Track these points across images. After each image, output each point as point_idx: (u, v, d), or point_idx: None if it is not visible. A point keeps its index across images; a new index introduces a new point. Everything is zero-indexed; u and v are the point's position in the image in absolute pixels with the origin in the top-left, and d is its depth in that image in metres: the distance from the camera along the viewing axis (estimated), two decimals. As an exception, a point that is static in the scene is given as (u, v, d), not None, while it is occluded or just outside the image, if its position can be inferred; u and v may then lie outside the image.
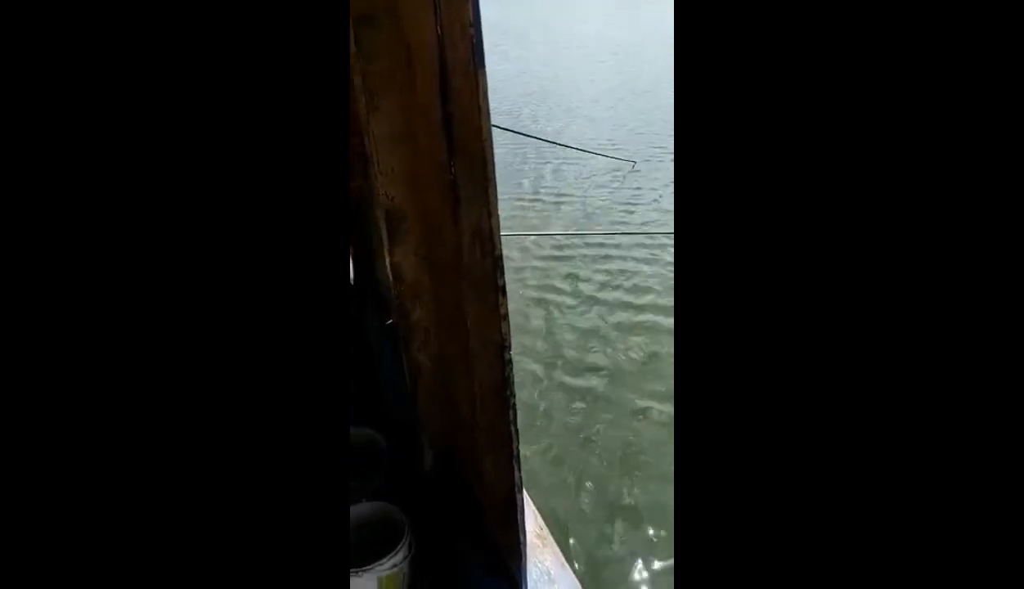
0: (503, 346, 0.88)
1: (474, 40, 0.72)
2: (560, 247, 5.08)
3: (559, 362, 3.56)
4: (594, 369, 3.49)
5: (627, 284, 4.49)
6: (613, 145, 7.45)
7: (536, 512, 1.22)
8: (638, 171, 6.69)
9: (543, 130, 7.98)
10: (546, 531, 1.20)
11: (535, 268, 4.74)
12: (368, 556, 1.22)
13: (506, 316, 0.87)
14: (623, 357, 3.59)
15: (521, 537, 1.00)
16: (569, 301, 4.27)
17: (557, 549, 1.17)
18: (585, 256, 4.94)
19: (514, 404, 0.92)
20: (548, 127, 8.19)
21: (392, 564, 1.17)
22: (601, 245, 5.08)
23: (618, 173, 6.70)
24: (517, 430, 0.93)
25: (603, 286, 4.47)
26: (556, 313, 4.10)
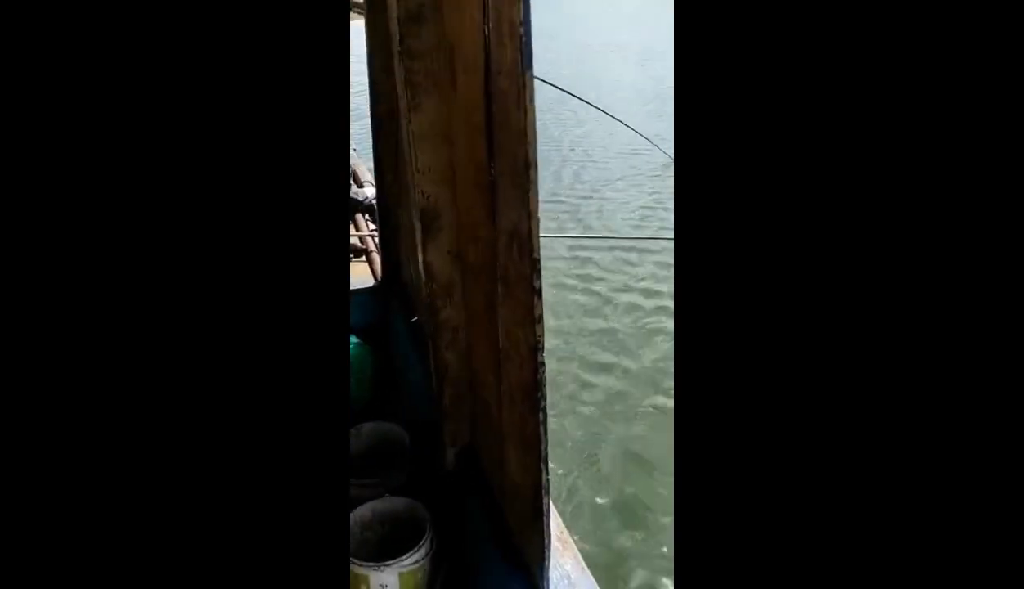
0: (536, 348, 0.88)
1: (523, 40, 0.72)
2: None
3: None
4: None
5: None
6: (633, 151, 7.43)
7: (557, 515, 1.22)
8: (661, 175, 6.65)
9: (564, 132, 8.00)
10: (567, 534, 1.19)
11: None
12: (390, 551, 1.23)
13: (541, 318, 0.87)
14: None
15: (545, 540, 0.99)
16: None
17: (577, 552, 1.16)
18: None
19: (544, 406, 0.91)
20: (568, 129, 8.19)
21: (414, 560, 1.18)
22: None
23: (638, 174, 6.67)
24: (547, 432, 0.93)
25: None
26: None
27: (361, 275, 2.46)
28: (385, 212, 1.93)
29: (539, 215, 0.82)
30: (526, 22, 0.71)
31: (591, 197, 6.27)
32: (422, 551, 1.20)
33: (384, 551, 1.27)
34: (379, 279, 2.18)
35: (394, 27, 1.05)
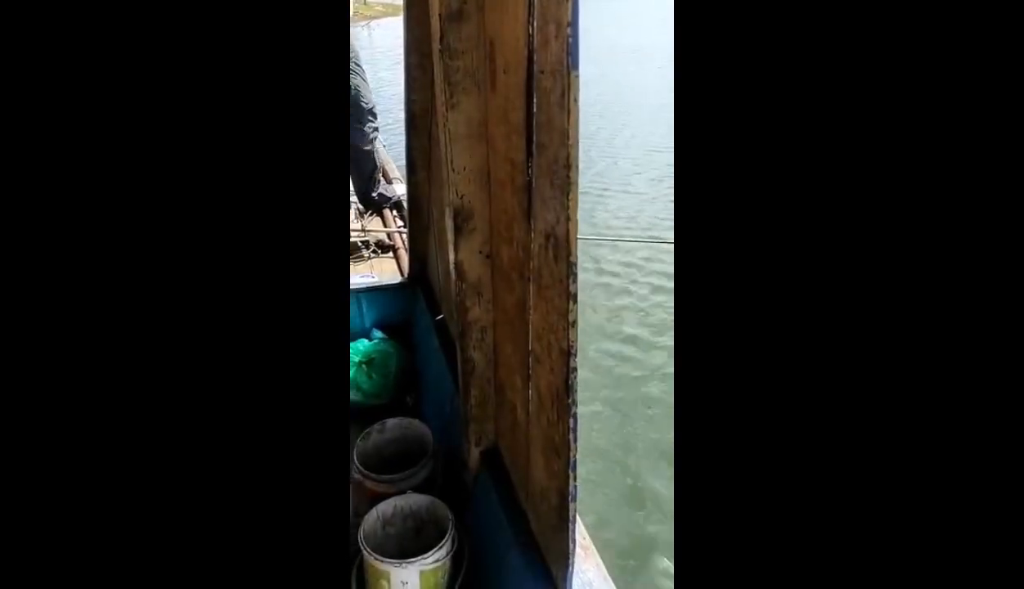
0: (569, 352, 0.87)
1: (570, 41, 0.71)
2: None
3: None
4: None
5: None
6: (664, 144, 7.33)
7: (579, 521, 1.21)
8: None
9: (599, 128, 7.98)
10: (588, 540, 1.18)
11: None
12: (411, 548, 1.23)
13: (575, 323, 0.85)
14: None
15: (571, 547, 0.98)
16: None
17: (599, 560, 1.15)
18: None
19: (575, 412, 0.90)
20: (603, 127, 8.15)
21: (435, 559, 1.18)
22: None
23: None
24: (576, 438, 0.92)
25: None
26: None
27: (388, 271, 2.48)
28: (415, 209, 1.94)
29: (577, 217, 0.81)
30: (574, 23, 0.70)
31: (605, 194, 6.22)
32: (444, 550, 1.19)
33: (405, 548, 1.27)
34: (406, 275, 2.19)
35: (435, 24, 1.04)
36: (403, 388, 1.92)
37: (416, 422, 1.56)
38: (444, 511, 1.28)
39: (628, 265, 4.72)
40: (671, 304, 4.21)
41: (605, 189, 6.21)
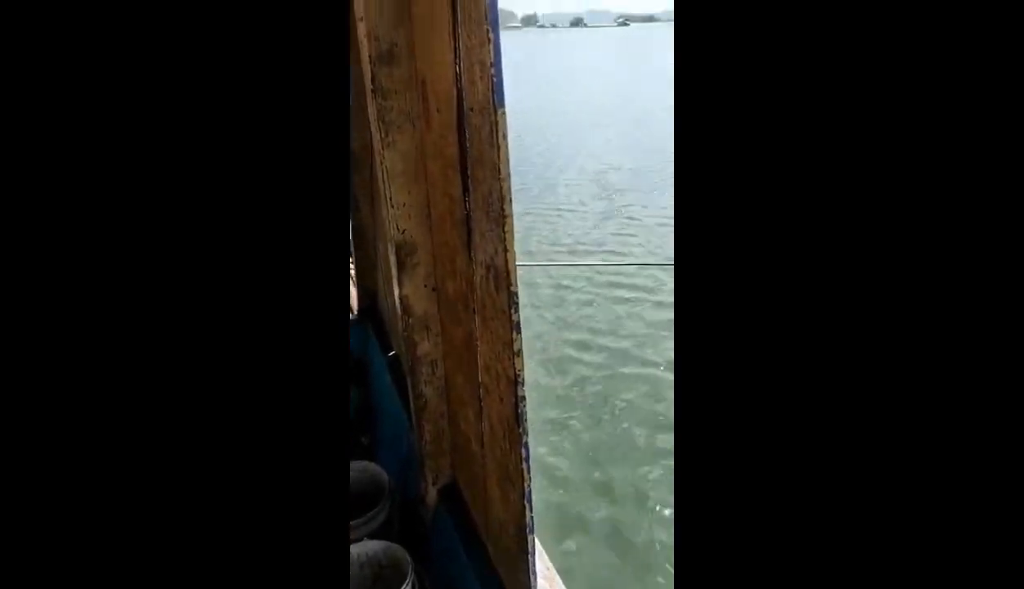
0: (516, 382, 0.87)
1: (494, 80, 0.73)
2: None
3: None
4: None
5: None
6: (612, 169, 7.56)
7: (543, 551, 1.19)
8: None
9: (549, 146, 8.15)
10: (553, 571, 1.17)
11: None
12: (371, 597, 1.19)
13: (520, 352, 0.86)
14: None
15: (531, 579, 0.97)
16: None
17: None
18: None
19: (526, 442, 0.90)
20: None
21: (396, 606, 1.14)
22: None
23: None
24: (529, 468, 0.91)
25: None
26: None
27: (337, 309, 2.43)
28: (361, 244, 1.92)
29: (515, 248, 0.82)
30: (497, 63, 0.73)
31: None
32: (404, 596, 1.16)
33: (365, 597, 1.22)
34: (356, 312, 2.16)
35: (366, 67, 1.05)
36: (357, 428, 1.87)
37: (371, 465, 1.52)
38: (402, 555, 1.24)
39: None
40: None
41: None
